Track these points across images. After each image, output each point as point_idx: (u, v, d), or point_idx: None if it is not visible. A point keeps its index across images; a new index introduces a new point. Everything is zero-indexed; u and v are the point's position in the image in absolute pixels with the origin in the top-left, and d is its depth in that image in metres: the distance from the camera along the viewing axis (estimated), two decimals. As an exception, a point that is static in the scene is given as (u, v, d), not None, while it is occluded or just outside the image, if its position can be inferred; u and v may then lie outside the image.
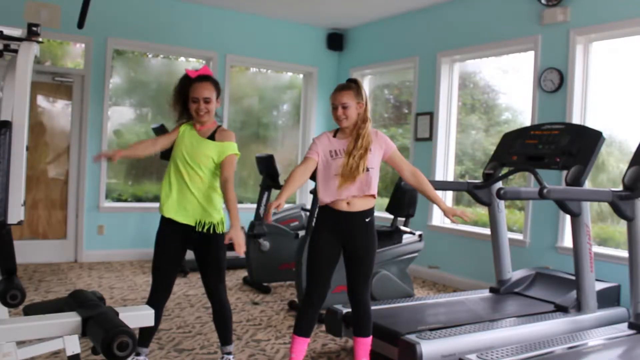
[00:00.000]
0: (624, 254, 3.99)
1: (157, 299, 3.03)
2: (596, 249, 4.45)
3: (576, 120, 4.90)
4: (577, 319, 3.76)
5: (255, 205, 5.67)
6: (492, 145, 5.63)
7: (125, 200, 6.76)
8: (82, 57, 6.33)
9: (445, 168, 6.26)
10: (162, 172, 3.15)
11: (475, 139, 6.21)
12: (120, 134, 6.79)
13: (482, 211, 5.68)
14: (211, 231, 3.03)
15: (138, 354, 3.11)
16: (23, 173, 2.35)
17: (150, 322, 2.00)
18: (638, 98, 4.69)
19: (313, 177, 3.05)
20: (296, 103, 7.86)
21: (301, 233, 5.29)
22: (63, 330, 1.84)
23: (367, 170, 2.90)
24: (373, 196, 2.99)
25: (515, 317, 3.72)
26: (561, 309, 3.86)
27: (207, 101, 2.98)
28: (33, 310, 2.11)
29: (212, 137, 3.03)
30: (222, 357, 3.22)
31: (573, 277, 4.03)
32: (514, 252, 4.78)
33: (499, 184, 4.21)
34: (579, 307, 3.85)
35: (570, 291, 4.01)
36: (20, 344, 2.66)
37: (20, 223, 2.35)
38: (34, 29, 2.36)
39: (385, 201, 4.97)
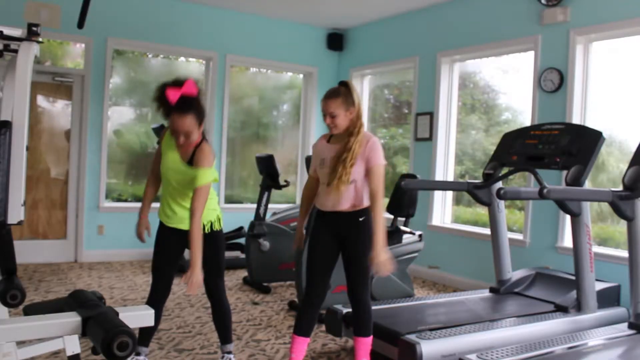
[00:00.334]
0: (624, 254, 3.99)
1: (157, 298, 3.04)
2: (596, 249, 4.45)
3: (576, 120, 4.90)
4: (577, 319, 3.76)
5: (255, 205, 5.67)
6: (492, 145, 5.63)
7: (125, 200, 6.76)
8: (82, 57, 6.34)
9: (445, 168, 6.26)
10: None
11: (475, 139, 6.21)
12: (120, 134, 6.79)
13: (482, 211, 5.68)
14: (208, 230, 3.03)
15: (138, 354, 3.11)
16: (23, 173, 2.35)
17: (150, 322, 2.00)
18: (638, 98, 4.69)
19: None
20: (296, 103, 7.86)
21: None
22: (63, 330, 1.84)
23: (351, 182, 2.87)
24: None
25: (515, 317, 3.72)
26: (561, 309, 3.86)
27: (187, 135, 2.84)
28: (33, 310, 2.11)
29: (192, 157, 2.93)
30: (222, 357, 3.22)
31: (573, 277, 4.03)
32: (514, 252, 4.78)
33: (499, 184, 4.21)
34: (579, 307, 3.85)
35: (570, 291, 4.01)
36: (20, 344, 2.66)
37: (20, 223, 2.35)
38: (34, 29, 2.36)
39: (385, 201, 4.98)
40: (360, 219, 2.96)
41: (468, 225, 6.04)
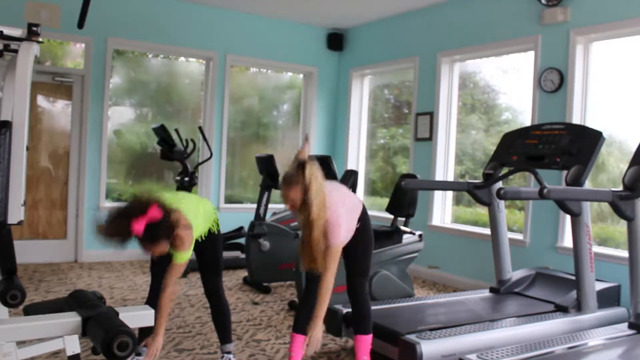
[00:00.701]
0: (624, 254, 3.99)
1: (157, 298, 3.04)
2: (596, 249, 4.44)
3: (576, 120, 4.90)
4: (577, 319, 3.76)
5: (255, 205, 5.66)
6: (492, 145, 5.63)
7: (125, 200, 6.75)
8: (82, 57, 6.34)
9: (445, 168, 6.26)
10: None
11: (475, 139, 6.21)
12: (120, 134, 6.79)
13: (482, 211, 5.68)
14: (205, 236, 3.09)
15: (138, 354, 3.11)
16: (23, 173, 2.35)
17: (150, 322, 2.00)
18: (638, 98, 4.69)
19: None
20: (296, 103, 7.86)
21: (301, 233, 5.29)
22: (63, 330, 1.84)
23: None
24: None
25: (515, 317, 3.72)
26: (561, 309, 3.86)
27: (161, 254, 2.67)
28: (33, 310, 2.11)
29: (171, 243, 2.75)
30: (222, 357, 3.22)
31: (573, 277, 4.03)
32: (514, 252, 4.78)
33: (499, 184, 4.21)
34: (579, 307, 3.84)
35: (570, 291, 4.01)
36: (20, 344, 2.66)
37: (20, 223, 2.35)
38: (34, 29, 2.36)
39: (386, 201, 4.97)
40: (357, 225, 3.03)
41: (468, 225, 6.04)
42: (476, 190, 4.31)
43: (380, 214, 6.60)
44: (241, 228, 6.40)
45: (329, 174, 5.10)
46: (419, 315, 3.79)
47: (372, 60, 7.28)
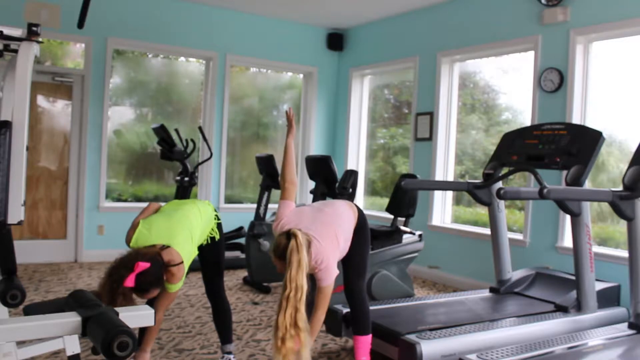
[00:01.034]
0: (624, 254, 3.99)
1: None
2: (596, 249, 4.44)
3: (576, 120, 4.90)
4: (577, 319, 3.76)
5: (255, 205, 5.66)
6: (492, 145, 5.63)
7: (125, 200, 6.76)
8: (82, 57, 6.34)
9: (445, 168, 6.26)
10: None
11: (475, 139, 6.21)
12: (120, 134, 6.79)
13: (482, 211, 5.68)
14: (209, 241, 3.11)
15: (138, 354, 3.10)
16: (23, 173, 2.34)
17: (150, 322, 2.00)
18: (638, 98, 4.69)
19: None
20: (296, 103, 7.86)
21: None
22: (63, 330, 1.84)
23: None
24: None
25: (515, 317, 3.72)
26: (561, 309, 3.86)
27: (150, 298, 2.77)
28: (33, 310, 2.11)
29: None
30: (222, 357, 3.22)
31: (573, 277, 4.03)
32: (514, 252, 4.78)
33: (499, 184, 4.21)
34: (579, 307, 3.84)
35: (570, 291, 4.01)
36: (20, 344, 2.66)
37: (20, 223, 2.35)
38: (34, 29, 2.36)
39: (386, 201, 4.97)
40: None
41: (468, 225, 6.04)
42: (476, 190, 4.31)
43: (380, 214, 6.61)
44: (241, 228, 6.39)
45: (329, 173, 5.11)
46: (419, 315, 3.79)
47: (372, 60, 7.28)
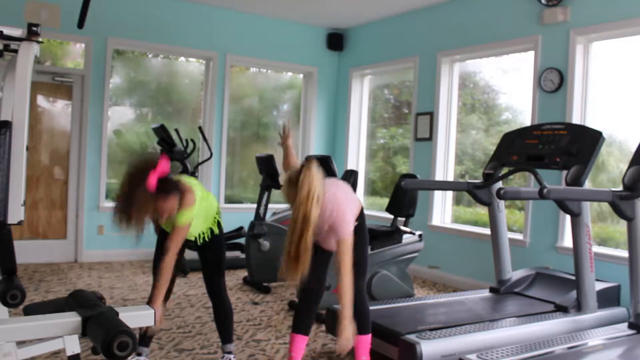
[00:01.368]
0: (624, 254, 3.99)
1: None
2: (596, 249, 4.44)
3: (576, 120, 4.90)
4: (577, 319, 3.76)
5: (255, 205, 5.66)
6: (492, 145, 5.63)
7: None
8: (82, 57, 6.34)
9: (445, 168, 6.26)
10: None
11: (475, 139, 6.21)
12: (120, 134, 6.79)
13: (482, 211, 5.68)
14: (209, 237, 3.10)
15: (139, 354, 3.11)
16: (23, 173, 2.35)
17: (150, 322, 2.00)
18: (638, 98, 4.69)
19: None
20: (296, 103, 7.86)
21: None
22: (63, 330, 1.84)
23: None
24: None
25: (515, 317, 3.72)
26: (561, 309, 3.86)
27: (170, 214, 2.76)
28: (33, 310, 2.11)
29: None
30: (223, 357, 3.22)
31: (573, 277, 4.03)
32: (514, 252, 4.78)
33: (499, 184, 4.21)
34: (579, 307, 3.85)
35: (570, 291, 4.01)
36: (20, 344, 2.66)
37: (20, 223, 2.35)
38: (34, 29, 2.36)
39: (386, 201, 4.98)
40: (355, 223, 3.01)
41: (468, 225, 6.04)
42: (476, 190, 4.31)
43: (380, 214, 6.60)
44: (241, 228, 6.39)
45: (329, 173, 5.11)
46: (419, 315, 3.79)
47: (372, 60, 7.28)
